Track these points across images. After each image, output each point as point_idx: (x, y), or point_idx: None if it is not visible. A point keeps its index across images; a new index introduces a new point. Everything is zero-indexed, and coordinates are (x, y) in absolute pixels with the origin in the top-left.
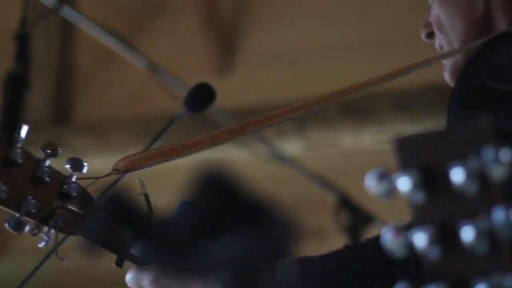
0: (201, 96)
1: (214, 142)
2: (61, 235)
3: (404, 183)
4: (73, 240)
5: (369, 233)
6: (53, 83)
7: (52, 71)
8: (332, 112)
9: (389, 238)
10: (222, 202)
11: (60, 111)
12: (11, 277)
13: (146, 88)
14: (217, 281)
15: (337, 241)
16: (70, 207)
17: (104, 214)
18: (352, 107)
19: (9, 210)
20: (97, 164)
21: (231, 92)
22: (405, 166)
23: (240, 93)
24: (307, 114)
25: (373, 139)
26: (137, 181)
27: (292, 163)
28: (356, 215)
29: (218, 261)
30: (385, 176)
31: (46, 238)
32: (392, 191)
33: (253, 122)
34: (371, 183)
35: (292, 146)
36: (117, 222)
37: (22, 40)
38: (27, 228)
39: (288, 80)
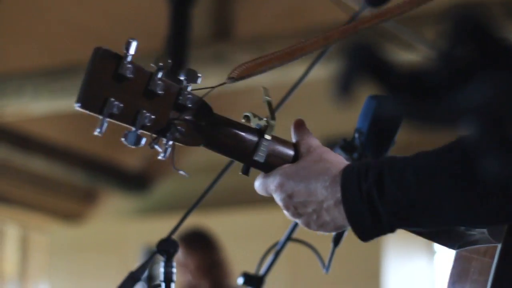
0: None
1: (327, 42)
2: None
3: None
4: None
5: None
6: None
7: None
8: (495, 14)
9: None
10: (478, 45)
11: (221, 27)
12: (173, 197)
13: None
14: (467, 127)
15: None
16: (187, 117)
17: (353, 62)
18: None
19: (124, 125)
20: (259, 78)
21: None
22: None
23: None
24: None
25: None
26: (261, 88)
27: None
28: None
29: (470, 106)
30: None
31: (163, 150)
32: None
33: (365, 20)
34: None
35: None
36: (365, 71)
37: None
38: (143, 142)
39: None
